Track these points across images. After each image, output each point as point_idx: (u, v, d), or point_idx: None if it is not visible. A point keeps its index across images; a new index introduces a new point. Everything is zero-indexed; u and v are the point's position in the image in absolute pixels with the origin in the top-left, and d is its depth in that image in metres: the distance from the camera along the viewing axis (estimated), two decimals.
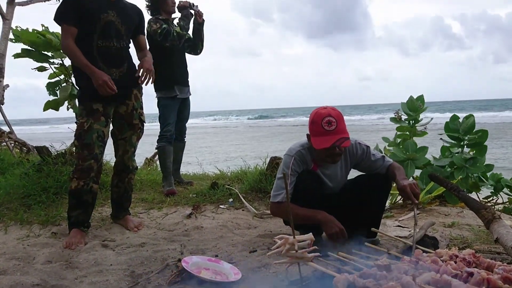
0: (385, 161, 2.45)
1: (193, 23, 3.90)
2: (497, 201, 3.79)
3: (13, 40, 4.02)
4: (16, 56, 3.94)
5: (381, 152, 3.45)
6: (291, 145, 2.46)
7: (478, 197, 3.68)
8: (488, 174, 3.75)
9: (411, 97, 4.08)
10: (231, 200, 3.57)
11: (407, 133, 4.10)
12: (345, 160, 2.48)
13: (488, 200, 3.79)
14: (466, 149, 3.84)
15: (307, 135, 2.37)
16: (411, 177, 3.78)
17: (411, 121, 4.10)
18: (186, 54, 4.01)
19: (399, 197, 3.72)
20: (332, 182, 2.48)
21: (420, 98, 4.06)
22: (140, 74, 2.69)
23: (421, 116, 4.12)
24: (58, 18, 2.58)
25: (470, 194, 3.31)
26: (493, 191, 3.74)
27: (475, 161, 3.67)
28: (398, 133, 4.16)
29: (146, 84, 2.74)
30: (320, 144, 2.23)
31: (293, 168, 2.35)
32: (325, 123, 2.22)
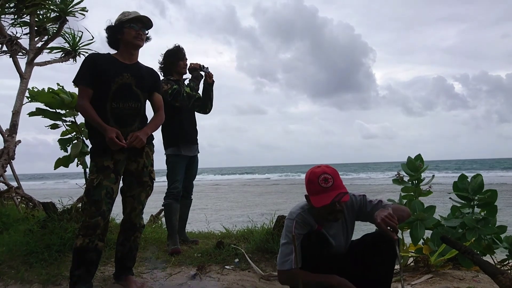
0: (384, 203, 2.39)
1: (203, 83, 4.04)
2: None
3: (29, 99, 4.18)
4: (31, 114, 4.08)
5: None
6: (291, 209, 2.44)
7: (493, 260, 3.55)
8: (502, 236, 3.64)
9: (409, 158, 4.08)
10: (237, 260, 3.47)
11: (412, 193, 4.05)
12: (344, 218, 2.43)
13: (504, 263, 3.65)
14: (476, 210, 3.77)
15: (306, 196, 2.35)
16: (421, 239, 3.68)
17: (414, 181, 4.06)
18: (196, 112, 4.12)
19: (411, 259, 3.60)
20: (336, 242, 2.42)
21: (419, 157, 4.06)
22: (129, 137, 2.66)
23: (423, 175, 4.09)
24: (76, 80, 2.73)
25: (484, 257, 3.20)
26: (508, 254, 3.61)
27: (486, 221, 3.58)
28: (403, 194, 4.11)
29: (127, 146, 2.66)
30: (319, 201, 2.21)
31: (296, 231, 2.30)
32: (322, 180, 2.22)
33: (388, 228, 2.12)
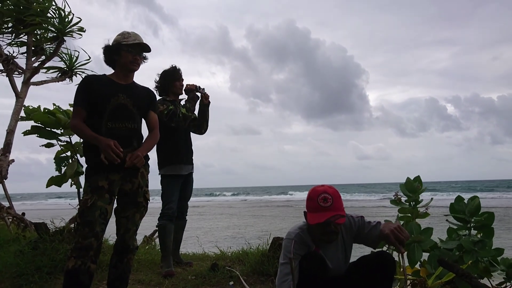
0: (382, 225, 2.37)
1: (199, 104, 4.04)
2: None
3: (24, 118, 4.16)
4: (26, 133, 4.05)
5: None
6: (289, 229, 2.42)
7: (491, 283, 3.51)
8: (499, 259, 3.62)
9: (408, 179, 4.08)
10: (231, 283, 3.41)
11: (409, 215, 4.03)
12: (342, 240, 2.41)
13: (501, 286, 3.61)
14: (473, 232, 3.75)
15: (304, 212, 2.35)
16: (419, 262, 3.65)
17: (411, 203, 4.05)
18: (191, 132, 4.11)
19: (408, 282, 3.55)
20: (334, 264, 2.39)
21: (417, 179, 4.06)
22: (129, 156, 2.63)
23: (421, 197, 4.07)
24: (73, 102, 2.73)
25: (481, 280, 3.16)
26: (505, 277, 3.58)
27: (483, 244, 3.56)
28: (400, 215, 4.08)
29: (126, 166, 2.64)
30: (314, 219, 2.21)
31: (294, 252, 2.28)
32: (321, 199, 2.22)
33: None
